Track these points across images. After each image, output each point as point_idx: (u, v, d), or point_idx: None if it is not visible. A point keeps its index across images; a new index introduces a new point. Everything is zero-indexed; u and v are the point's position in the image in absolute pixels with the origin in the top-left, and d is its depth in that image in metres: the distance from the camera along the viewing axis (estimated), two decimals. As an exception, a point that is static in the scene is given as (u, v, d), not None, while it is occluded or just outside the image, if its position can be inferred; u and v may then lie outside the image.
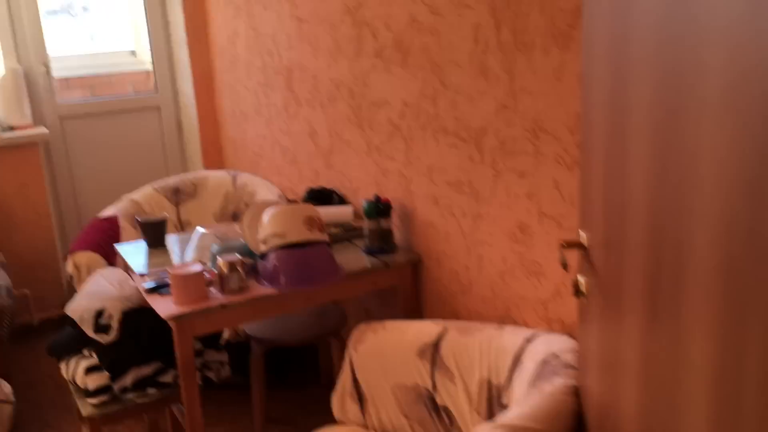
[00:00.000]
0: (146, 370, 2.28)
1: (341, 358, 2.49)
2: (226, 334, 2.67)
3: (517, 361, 1.76)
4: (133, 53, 4.37)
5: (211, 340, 2.53)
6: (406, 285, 2.38)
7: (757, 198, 0.70)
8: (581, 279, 1.35)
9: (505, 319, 2.06)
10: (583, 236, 1.32)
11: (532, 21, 1.77)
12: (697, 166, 0.78)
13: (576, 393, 1.48)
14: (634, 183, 0.98)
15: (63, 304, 3.20)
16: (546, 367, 1.60)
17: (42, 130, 3.62)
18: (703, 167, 0.77)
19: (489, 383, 1.83)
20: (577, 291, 1.37)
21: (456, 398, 1.90)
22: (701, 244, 0.80)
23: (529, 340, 1.78)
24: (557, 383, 1.50)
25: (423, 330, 2.01)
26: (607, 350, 1.24)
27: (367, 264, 2.32)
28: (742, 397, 0.76)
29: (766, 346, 0.70)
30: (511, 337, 1.83)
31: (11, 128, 3.58)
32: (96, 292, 2.32)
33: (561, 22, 1.68)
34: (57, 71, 3.94)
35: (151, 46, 4.12)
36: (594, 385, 1.35)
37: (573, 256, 1.71)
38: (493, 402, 1.82)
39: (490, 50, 1.93)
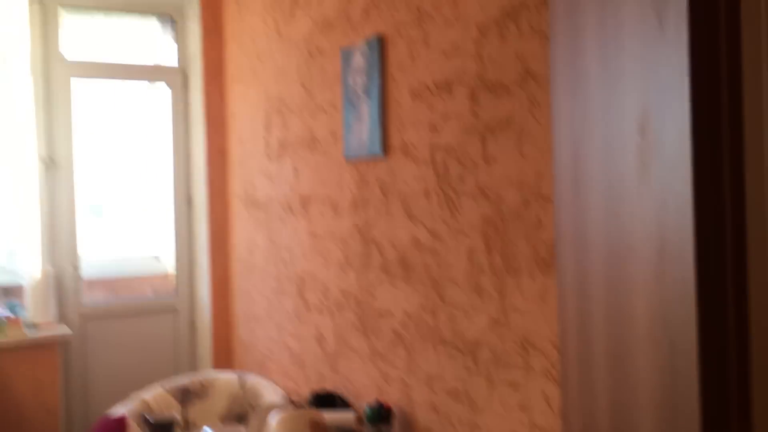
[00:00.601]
0: None
1: None
2: None
3: None
4: (156, 258, 4.68)
5: None
6: (406, 494, 2.42)
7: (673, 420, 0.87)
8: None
9: None
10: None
11: (519, 249, 2.01)
12: (637, 387, 0.95)
13: None
14: (599, 401, 1.14)
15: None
16: None
17: (64, 329, 3.81)
18: (640, 387, 0.94)
19: None
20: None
21: None
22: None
23: None
24: None
25: None
26: None
27: (368, 471, 2.38)
28: None
29: None
30: None
31: (35, 326, 3.78)
32: (101, 493, 2.37)
33: (543, 251, 1.92)
34: (84, 272, 4.21)
35: (175, 253, 4.44)
36: None
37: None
38: None
39: (483, 272, 2.16)
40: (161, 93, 4.54)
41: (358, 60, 2.78)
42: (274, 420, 2.33)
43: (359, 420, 2.75)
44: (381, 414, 2.48)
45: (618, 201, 0.97)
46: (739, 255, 0.72)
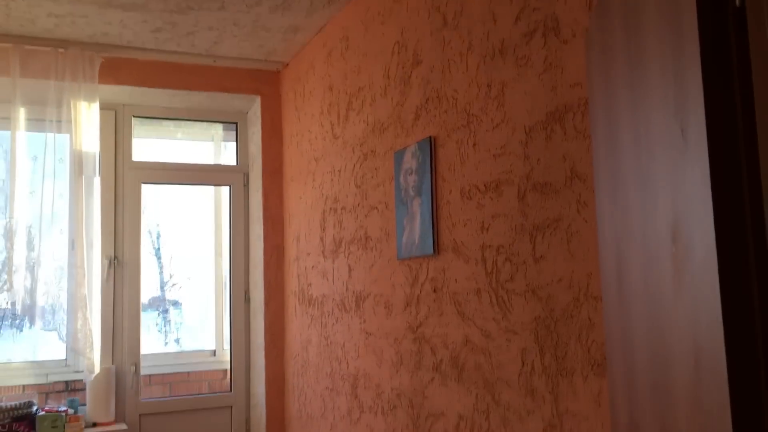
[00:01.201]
0: None
1: None
2: None
3: None
4: (213, 353, 4.74)
5: None
6: None
7: None
8: None
9: None
10: None
11: (571, 349, 1.98)
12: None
13: None
14: None
15: None
16: None
17: (122, 426, 3.85)
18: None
19: None
20: None
21: None
22: None
23: None
24: None
25: None
26: None
27: None
28: None
29: None
30: None
31: (94, 425, 3.83)
32: None
33: (596, 352, 1.88)
34: (143, 368, 4.28)
35: (232, 349, 4.49)
36: None
37: None
38: None
39: (535, 372, 2.12)
40: (223, 192, 4.73)
41: (410, 161, 2.86)
42: None
43: None
44: None
45: (658, 307, 0.96)
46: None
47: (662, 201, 0.90)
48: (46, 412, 3.65)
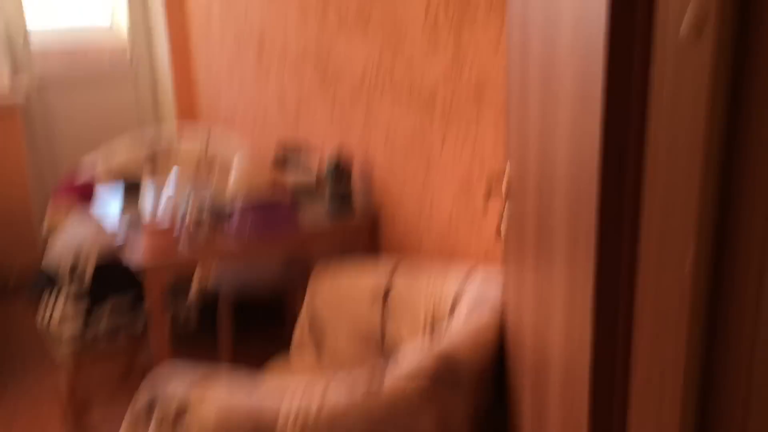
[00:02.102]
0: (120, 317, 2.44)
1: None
2: (194, 290, 2.84)
3: (456, 300, 1.94)
4: (110, 28, 4.47)
5: (180, 293, 2.70)
6: (365, 239, 2.56)
7: (583, 137, 0.89)
8: (504, 217, 1.53)
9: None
10: (507, 170, 1.50)
11: (474, -6, 1.94)
12: (558, 111, 0.97)
13: (499, 327, 1.66)
14: (531, 128, 1.17)
15: (37, 267, 3.34)
16: (477, 305, 1.78)
17: (20, 98, 3.73)
18: (561, 111, 0.96)
19: (432, 326, 2.01)
20: (499, 230, 1.54)
21: (402, 342, 2.08)
22: (559, 192, 1.00)
23: (468, 280, 1.95)
24: (484, 319, 1.69)
25: (377, 271, 2.16)
26: (518, 286, 1.42)
27: (328, 219, 2.49)
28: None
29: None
30: (454, 280, 2.00)
31: (-11, 94, 3.69)
32: (72, 243, 2.47)
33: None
34: (36, 45, 4.03)
35: (128, 20, 4.24)
36: (511, 319, 1.54)
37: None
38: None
39: (439, 23, 2.09)
40: None
41: None
42: (235, 172, 2.38)
43: (318, 180, 2.82)
44: (341, 167, 2.54)
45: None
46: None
47: None
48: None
